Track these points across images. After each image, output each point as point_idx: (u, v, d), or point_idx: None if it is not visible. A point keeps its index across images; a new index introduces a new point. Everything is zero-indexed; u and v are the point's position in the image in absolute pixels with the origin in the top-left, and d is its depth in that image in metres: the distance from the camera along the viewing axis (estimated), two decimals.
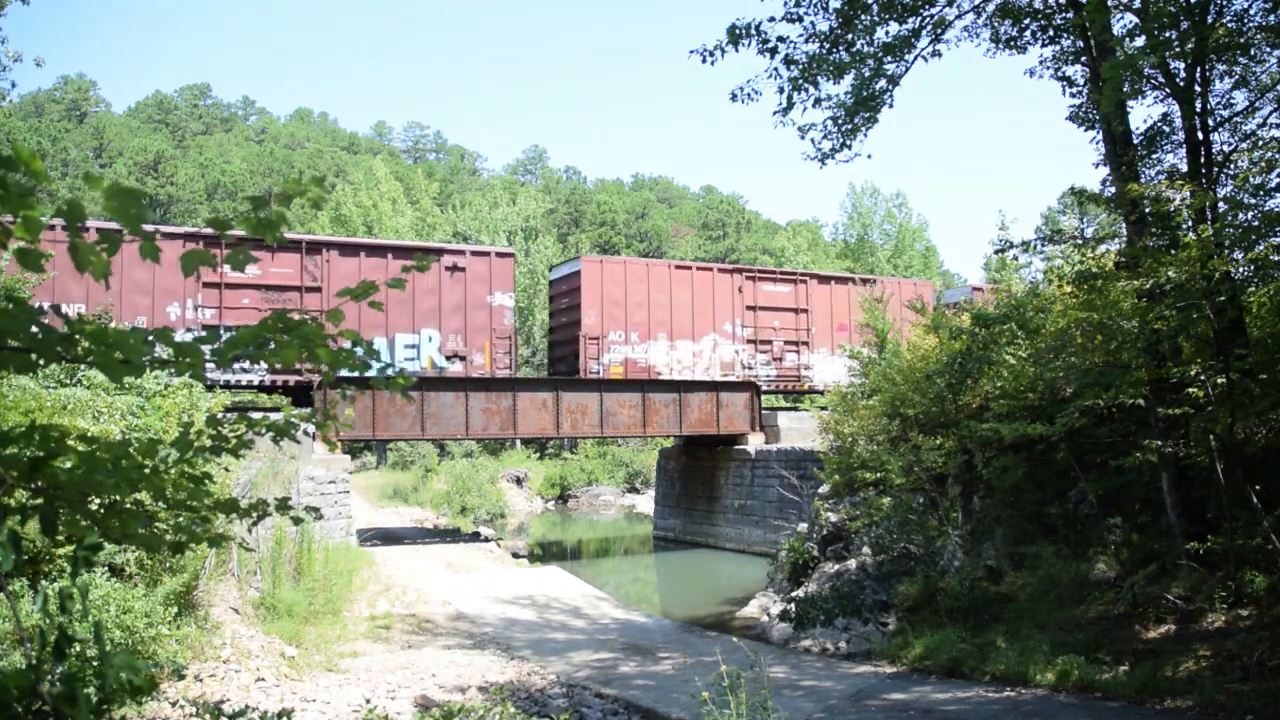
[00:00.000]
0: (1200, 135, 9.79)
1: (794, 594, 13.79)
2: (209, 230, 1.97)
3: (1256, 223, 8.91)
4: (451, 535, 24.87)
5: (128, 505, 2.26)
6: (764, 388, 25.10)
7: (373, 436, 22.07)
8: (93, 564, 2.05)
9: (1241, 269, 9.09)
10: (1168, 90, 10.05)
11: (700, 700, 6.19)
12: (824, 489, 16.52)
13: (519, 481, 40.06)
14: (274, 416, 2.57)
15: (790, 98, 11.99)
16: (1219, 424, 8.55)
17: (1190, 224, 9.42)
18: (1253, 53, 9.86)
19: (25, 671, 1.66)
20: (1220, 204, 9.46)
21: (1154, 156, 10.95)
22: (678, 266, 24.55)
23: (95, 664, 1.89)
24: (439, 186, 71.32)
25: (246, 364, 17.57)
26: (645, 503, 35.26)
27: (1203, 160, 9.76)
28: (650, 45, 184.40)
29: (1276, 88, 10.30)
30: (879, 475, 13.65)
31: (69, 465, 1.95)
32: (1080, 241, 12.01)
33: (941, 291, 32.74)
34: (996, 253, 15.47)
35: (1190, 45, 9.34)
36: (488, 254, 21.55)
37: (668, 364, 23.34)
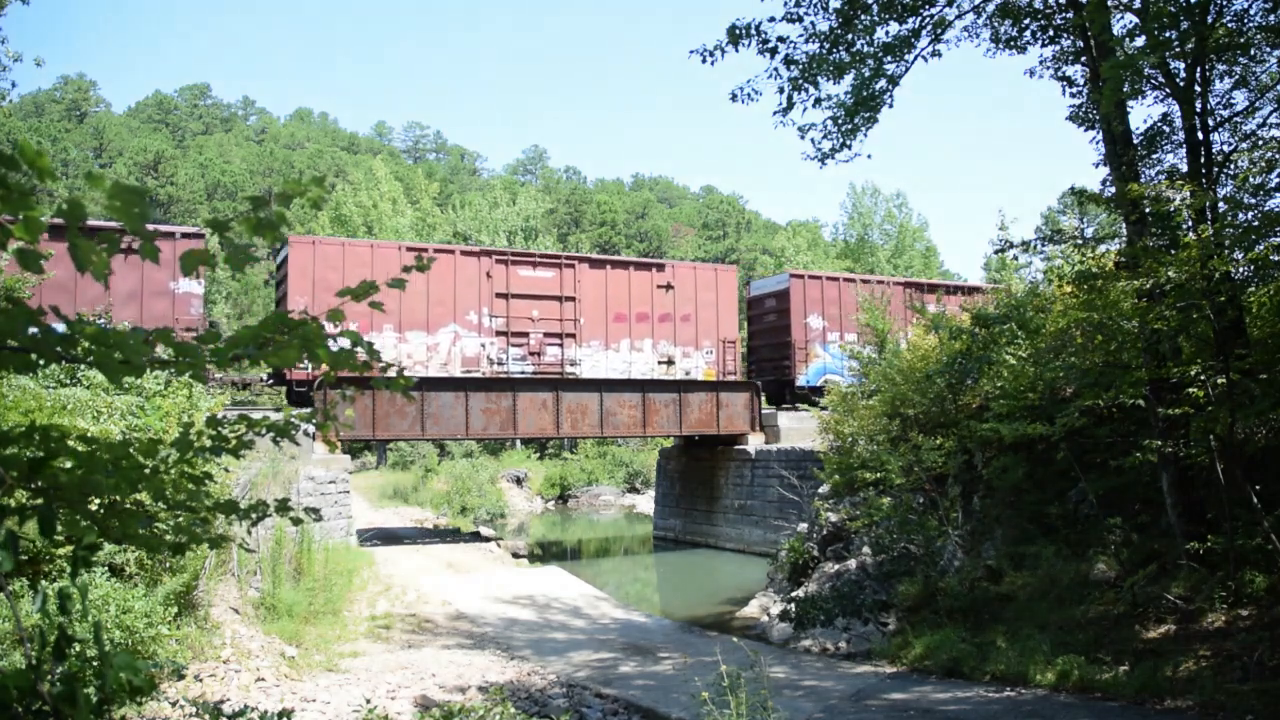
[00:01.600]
0: (1200, 135, 9.78)
1: (794, 594, 13.79)
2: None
3: (1256, 223, 8.91)
4: (451, 535, 24.87)
5: (128, 505, 2.26)
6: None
7: (373, 436, 22.03)
8: (91, 564, 2.05)
9: (1241, 269, 9.08)
10: (1168, 90, 10.05)
11: (700, 700, 6.19)
12: (824, 489, 16.52)
13: (519, 481, 40.07)
14: (274, 416, 2.57)
15: (790, 98, 11.98)
16: (1219, 424, 8.54)
17: (1190, 224, 9.42)
18: (1253, 53, 9.86)
19: (25, 671, 1.66)
20: (1220, 204, 9.46)
21: (1154, 156, 10.95)
22: (409, 248, 21.93)
23: (95, 664, 1.89)
24: (439, 186, 71.32)
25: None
26: (645, 503, 35.26)
27: (1203, 160, 9.76)
28: (651, 45, 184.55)
29: (1276, 88, 10.30)
30: (879, 475, 13.64)
31: (69, 465, 1.95)
32: (1080, 241, 12.00)
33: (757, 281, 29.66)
34: (996, 253, 15.49)
35: (1190, 45, 9.33)
36: (173, 235, 18.97)
37: (395, 359, 20.19)
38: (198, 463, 2.45)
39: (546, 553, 24.90)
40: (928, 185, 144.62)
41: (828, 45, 11.74)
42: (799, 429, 23.91)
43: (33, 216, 1.62)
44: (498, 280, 21.98)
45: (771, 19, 11.58)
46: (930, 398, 14.13)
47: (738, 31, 11.53)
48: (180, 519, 2.46)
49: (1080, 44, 10.92)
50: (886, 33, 11.86)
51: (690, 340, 24.24)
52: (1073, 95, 11.65)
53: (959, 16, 11.93)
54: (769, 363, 26.48)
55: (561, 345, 22.62)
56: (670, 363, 23.96)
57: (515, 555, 21.05)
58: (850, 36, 11.70)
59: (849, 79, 12.01)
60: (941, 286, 28.24)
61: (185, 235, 18.97)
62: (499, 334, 21.96)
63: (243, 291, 54.87)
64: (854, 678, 9.67)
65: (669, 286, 24.07)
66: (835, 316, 25.94)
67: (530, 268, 22.66)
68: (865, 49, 11.82)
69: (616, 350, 23.25)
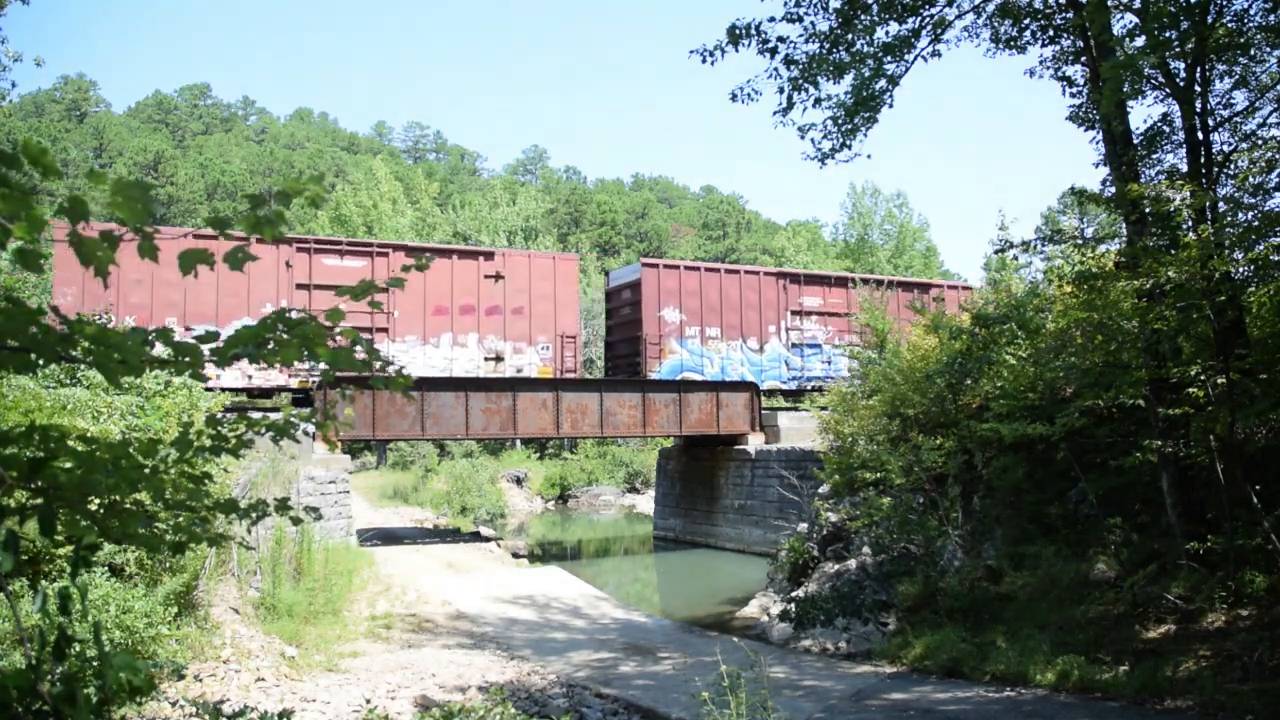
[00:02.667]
0: (1200, 135, 9.78)
1: (794, 594, 13.79)
2: None
3: (1256, 223, 8.90)
4: (451, 535, 24.87)
5: (128, 505, 2.25)
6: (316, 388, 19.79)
7: (373, 436, 22.01)
8: (90, 563, 2.05)
9: (1241, 269, 9.08)
10: (1168, 90, 10.05)
11: (700, 700, 6.19)
12: (824, 489, 16.52)
13: (519, 481, 40.06)
14: (274, 416, 2.57)
15: (790, 98, 11.98)
16: (1219, 424, 8.54)
17: (1190, 224, 9.41)
18: (1253, 53, 9.85)
19: (25, 671, 1.66)
20: (1220, 204, 9.46)
21: (1154, 156, 10.95)
22: (195, 235, 20.39)
23: (95, 664, 1.89)
24: (439, 186, 71.37)
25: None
26: (645, 503, 35.25)
27: (1203, 160, 9.75)
28: (650, 46, 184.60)
29: (1276, 88, 10.29)
30: (879, 475, 13.65)
31: (69, 465, 1.95)
32: (1080, 241, 12.00)
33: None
34: (996, 253, 15.50)
35: (1190, 45, 9.33)
36: None
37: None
38: (197, 462, 2.45)
39: (546, 553, 24.89)
40: (928, 185, 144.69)
41: (828, 45, 11.74)
42: (799, 429, 23.90)
43: (35, 215, 1.62)
44: (299, 270, 20.16)
45: (771, 19, 11.58)
46: (930, 398, 14.13)
47: (738, 31, 11.52)
48: (180, 519, 2.46)
49: (1080, 44, 10.91)
50: (886, 33, 11.86)
51: (523, 335, 22.39)
52: (1073, 95, 11.64)
53: (959, 16, 11.94)
54: (624, 359, 24.96)
55: (372, 340, 20.59)
56: (499, 359, 22.21)
57: (515, 555, 21.05)
58: (850, 36, 11.69)
59: (849, 79, 12.01)
60: (819, 278, 26.59)
61: None
62: None
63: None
64: (854, 678, 9.67)
65: (499, 276, 22.09)
66: (696, 309, 24.04)
67: (337, 256, 20.88)
68: (865, 49, 11.82)
69: (436, 346, 21.59)
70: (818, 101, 12.14)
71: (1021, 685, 8.50)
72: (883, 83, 11.96)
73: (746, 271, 25.69)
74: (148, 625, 7.20)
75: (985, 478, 12.60)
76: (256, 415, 3.03)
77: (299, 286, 20.20)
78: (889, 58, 11.87)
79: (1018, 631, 9.60)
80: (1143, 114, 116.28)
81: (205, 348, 1.97)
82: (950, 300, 26.37)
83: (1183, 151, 10.26)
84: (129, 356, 1.77)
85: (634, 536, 29.06)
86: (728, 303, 24.65)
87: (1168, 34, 9.38)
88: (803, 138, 12.40)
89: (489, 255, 22.54)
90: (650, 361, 23.58)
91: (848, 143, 12.32)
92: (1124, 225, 10.74)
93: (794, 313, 25.49)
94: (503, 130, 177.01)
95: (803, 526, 16.62)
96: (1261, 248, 8.62)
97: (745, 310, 24.87)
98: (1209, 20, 9.39)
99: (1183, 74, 9.80)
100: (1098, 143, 11.11)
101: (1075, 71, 11.63)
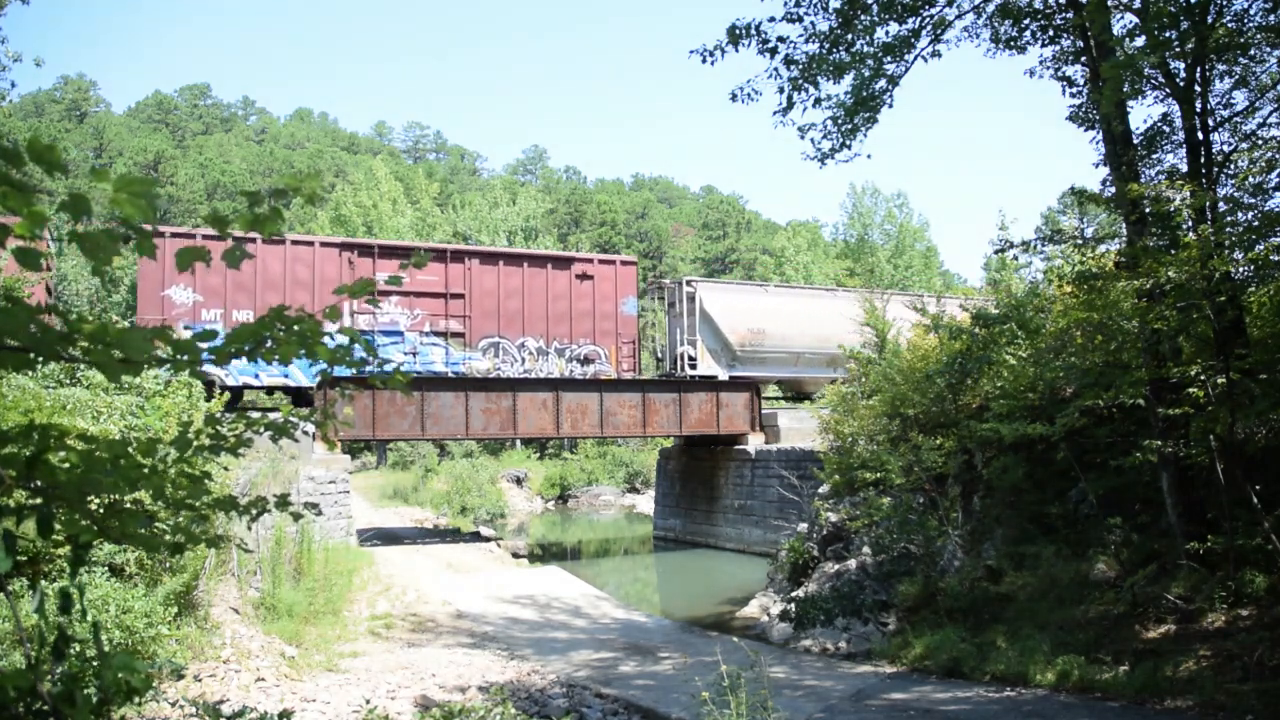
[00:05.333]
0: (1200, 135, 9.78)
1: (794, 594, 13.79)
2: None
3: (1256, 223, 8.90)
4: (452, 535, 24.87)
5: (127, 505, 2.25)
6: None
7: (373, 436, 22.01)
8: (83, 560, 2.05)
9: (1241, 269, 9.07)
10: (1168, 90, 10.05)
11: (700, 700, 6.19)
12: (824, 489, 16.51)
13: (519, 481, 40.07)
14: (273, 416, 2.57)
15: (790, 98, 11.98)
16: (1219, 424, 8.54)
17: (1190, 224, 9.41)
18: (1253, 53, 9.85)
19: (25, 671, 1.66)
20: (1220, 204, 9.46)
21: (1154, 156, 10.95)
22: None
23: (95, 664, 1.89)
24: (439, 186, 71.34)
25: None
26: (645, 503, 35.25)
27: (1203, 160, 9.75)
28: (650, 45, 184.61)
29: (1276, 88, 10.29)
30: (879, 475, 13.63)
31: (68, 464, 1.95)
32: (1080, 241, 11.99)
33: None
34: (996, 253, 15.48)
35: (1190, 45, 9.33)
36: None
37: None
38: (197, 462, 2.45)
39: (547, 553, 24.89)
40: (928, 185, 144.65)
41: (828, 45, 11.73)
42: (799, 429, 23.89)
43: (36, 211, 1.62)
44: None
45: (771, 19, 11.57)
46: (930, 398, 14.12)
47: (738, 31, 11.52)
48: (180, 518, 2.46)
49: (1080, 44, 10.91)
50: (886, 33, 11.85)
51: None
52: (1073, 95, 11.64)
53: (959, 16, 11.93)
54: None
55: None
56: None
57: (515, 555, 21.06)
58: (850, 37, 11.69)
59: (849, 79, 12.01)
60: (402, 249, 22.16)
61: None
62: None
63: None
64: (854, 678, 9.67)
65: None
66: (218, 288, 19.39)
67: None
68: (865, 49, 11.81)
69: None
70: (818, 101, 12.13)
71: (1021, 685, 8.50)
72: (883, 83, 11.96)
73: (295, 241, 20.74)
74: (148, 625, 7.20)
75: (985, 478, 12.60)
76: (256, 414, 3.03)
77: None
78: (889, 58, 11.86)
79: (1018, 631, 9.60)
80: (1143, 114, 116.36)
81: (204, 346, 1.97)
82: (604, 276, 23.87)
83: (1183, 151, 10.26)
84: (131, 354, 1.76)
85: (634, 536, 29.05)
86: (267, 280, 19.92)
87: (1168, 34, 9.38)
88: (803, 138, 12.40)
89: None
90: None
91: (848, 143, 12.32)
92: (1124, 225, 10.73)
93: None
94: (503, 130, 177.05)
95: (803, 526, 16.62)
96: (1261, 248, 8.61)
97: (293, 289, 20.08)
98: (1209, 20, 9.39)
99: (1183, 74, 9.80)
100: (1098, 143, 11.11)
101: (1075, 71, 11.62)
